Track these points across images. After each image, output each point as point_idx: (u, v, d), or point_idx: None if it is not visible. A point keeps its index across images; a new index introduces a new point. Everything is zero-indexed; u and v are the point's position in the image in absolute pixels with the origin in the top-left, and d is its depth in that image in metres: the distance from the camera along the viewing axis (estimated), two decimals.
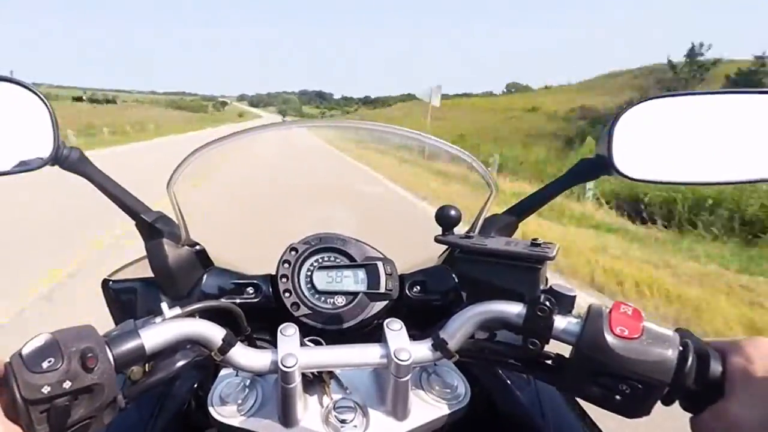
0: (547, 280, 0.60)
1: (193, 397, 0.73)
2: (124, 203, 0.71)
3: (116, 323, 0.67)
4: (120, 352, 0.44)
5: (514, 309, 0.52)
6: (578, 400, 0.58)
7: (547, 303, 0.49)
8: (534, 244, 0.57)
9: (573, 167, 0.73)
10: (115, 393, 0.44)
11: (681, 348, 0.46)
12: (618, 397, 0.47)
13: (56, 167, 0.66)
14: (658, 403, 0.48)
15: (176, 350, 0.52)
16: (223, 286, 0.74)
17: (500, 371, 0.74)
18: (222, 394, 0.59)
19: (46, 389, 0.38)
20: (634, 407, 0.47)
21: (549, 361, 0.53)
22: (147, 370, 0.51)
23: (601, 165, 0.69)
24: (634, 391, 0.46)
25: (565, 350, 0.52)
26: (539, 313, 0.49)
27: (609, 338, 0.46)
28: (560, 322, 0.50)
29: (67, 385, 0.39)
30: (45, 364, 0.39)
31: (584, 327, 0.48)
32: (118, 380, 0.44)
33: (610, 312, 0.48)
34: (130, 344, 0.45)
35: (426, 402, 0.59)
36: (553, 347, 0.53)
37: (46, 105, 0.63)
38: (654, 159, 0.68)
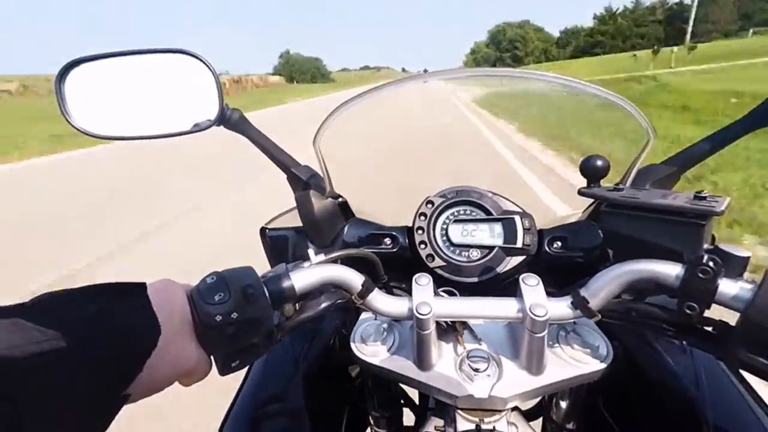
0: (714, 238, 0.53)
1: (337, 337, 0.79)
2: (277, 158, 0.79)
3: (271, 266, 0.75)
4: (274, 291, 0.49)
5: (671, 269, 0.46)
6: (744, 373, 0.51)
7: (712, 264, 0.43)
8: (698, 197, 0.50)
9: (753, 110, 0.62)
10: (271, 326, 0.49)
11: None
12: None
13: (221, 127, 0.75)
14: None
15: (322, 292, 0.57)
16: (363, 236, 0.78)
17: (651, 339, 0.68)
18: (363, 335, 0.64)
19: (218, 317, 0.45)
20: None
21: (710, 329, 0.47)
22: (297, 308, 0.57)
23: None
24: None
25: (730, 317, 0.45)
26: (701, 275, 0.43)
27: None
28: (727, 286, 0.44)
29: (234, 315, 0.45)
30: (216, 297, 0.45)
31: (757, 293, 0.41)
32: (274, 316, 0.50)
33: None
34: (282, 284, 0.50)
35: (562, 359, 0.58)
36: (715, 314, 0.47)
37: (213, 73, 0.71)
38: None
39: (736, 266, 0.45)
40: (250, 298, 0.46)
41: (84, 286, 0.39)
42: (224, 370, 0.49)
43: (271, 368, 0.74)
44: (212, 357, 0.48)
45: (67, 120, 0.70)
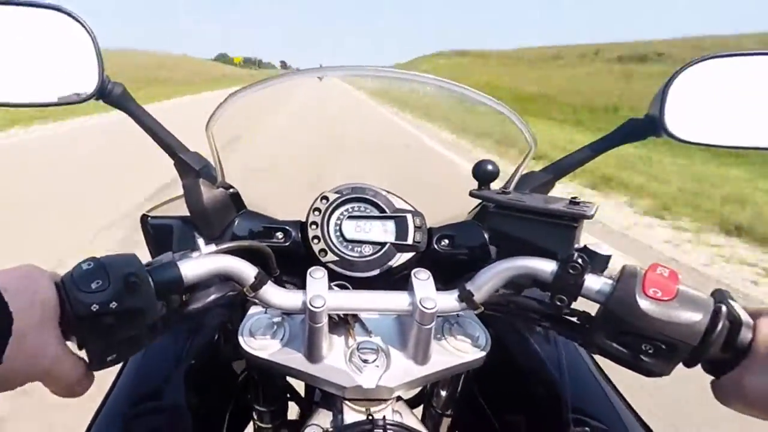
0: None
1: (222, 332, 0.76)
2: (164, 141, 0.73)
3: (152, 257, 0.70)
4: (160, 280, 0.46)
5: (546, 266, 0.51)
6: (598, 359, 0.58)
7: (580, 261, 0.49)
8: (573, 202, 0.56)
9: (620, 126, 0.71)
10: (155, 317, 0.46)
11: (713, 312, 0.45)
12: (640, 356, 0.47)
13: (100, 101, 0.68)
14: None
15: (211, 284, 0.55)
16: (254, 229, 0.76)
17: (521, 328, 0.75)
18: (252, 329, 0.62)
19: (94, 307, 0.41)
20: (655, 367, 0.47)
21: (574, 318, 0.53)
22: (184, 300, 0.54)
23: (651, 126, 0.66)
24: (657, 351, 0.46)
25: (592, 309, 0.51)
26: (571, 271, 0.49)
27: (640, 299, 0.46)
28: (591, 281, 0.49)
29: (113, 305, 0.41)
30: (93, 285, 0.42)
31: (616, 287, 0.48)
32: (158, 307, 0.47)
33: (645, 273, 0.48)
34: (169, 273, 0.47)
35: (446, 350, 0.61)
36: (581, 306, 0.52)
37: (92, 36, 0.64)
38: (709, 121, 0.65)
39: (600, 263, 0.51)
40: (132, 286, 0.43)
41: None
42: (97, 365, 0.45)
43: (148, 364, 0.69)
44: (85, 350, 0.43)
45: None
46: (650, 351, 0.47)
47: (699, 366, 0.48)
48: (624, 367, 0.49)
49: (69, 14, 0.63)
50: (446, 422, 0.82)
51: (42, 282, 0.41)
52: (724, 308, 0.45)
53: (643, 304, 0.45)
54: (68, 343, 0.43)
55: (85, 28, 0.63)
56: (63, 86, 0.66)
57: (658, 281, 0.46)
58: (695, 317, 0.44)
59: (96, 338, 0.43)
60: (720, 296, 0.47)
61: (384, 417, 0.56)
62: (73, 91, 0.65)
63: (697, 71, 0.64)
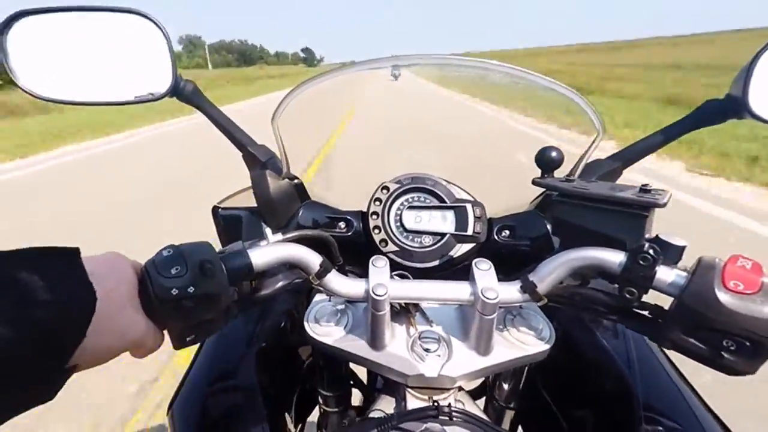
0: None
1: (289, 318, 0.79)
2: (233, 135, 0.76)
3: (223, 245, 0.73)
4: (232, 267, 0.49)
5: (614, 257, 0.49)
6: (671, 354, 0.56)
7: (651, 252, 0.46)
8: (643, 189, 0.53)
9: (696, 109, 0.66)
10: (228, 302, 0.49)
11: None
12: (721, 353, 0.45)
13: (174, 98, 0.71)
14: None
15: (278, 272, 0.57)
16: (318, 219, 0.78)
17: (587, 320, 0.73)
18: (316, 316, 0.64)
19: (174, 291, 0.44)
20: (739, 365, 0.45)
21: (645, 312, 0.51)
22: (253, 286, 0.56)
23: (733, 107, 0.61)
24: (740, 348, 0.44)
25: (665, 302, 0.49)
26: (641, 262, 0.47)
27: (719, 292, 0.43)
28: (664, 273, 0.47)
29: (191, 289, 0.44)
30: (173, 271, 0.45)
31: (691, 279, 0.45)
32: (231, 292, 0.50)
33: (724, 265, 0.45)
34: (240, 261, 0.50)
35: (508, 341, 0.60)
36: (653, 299, 0.50)
37: (166, 37, 0.67)
38: None
39: (673, 254, 0.48)
40: (207, 272, 0.45)
41: (8, 251, 0.37)
42: (179, 344, 0.48)
43: (223, 345, 0.74)
44: (166, 330, 0.47)
45: (13, 78, 0.64)
46: (732, 348, 0.44)
47: None
48: (703, 365, 0.47)
49: (144, 16, 0.66)
50: (509, 415, 0.81)
51: (125, 267, 0.44)
52: None
53: (723, 297, 0.43)
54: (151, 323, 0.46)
55: (160, 29, 0.67)
56: (140, 86, 0.69)
57: (740, 273, 0.43)
58: None
59: (176, 320, 0.46)
60: None
61: (449, 404, 0.57)
62: (149, 90, 0.69)
63: None
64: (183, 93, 0.70)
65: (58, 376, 0.37)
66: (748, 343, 0.43)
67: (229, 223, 0.79)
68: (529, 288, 0.54)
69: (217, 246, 0.58)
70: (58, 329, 0.35)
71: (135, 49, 0.68)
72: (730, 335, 0.43)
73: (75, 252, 0.40)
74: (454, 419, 0.54)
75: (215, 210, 0.79)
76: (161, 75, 0.69)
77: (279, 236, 0.60)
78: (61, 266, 0.38)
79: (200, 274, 0.45)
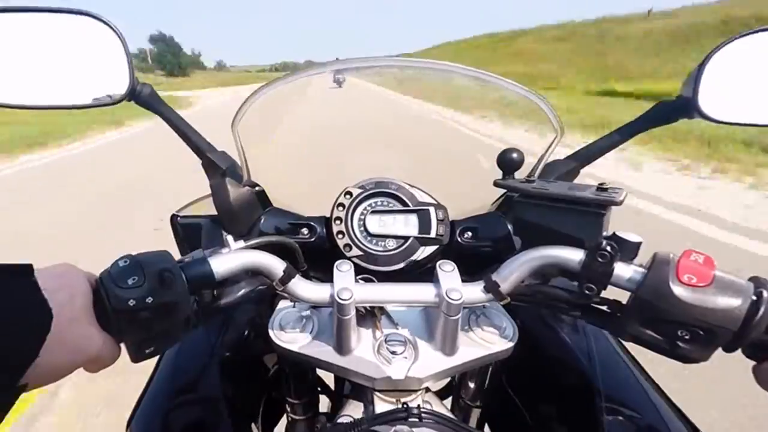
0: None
1: (252, 326, 0.78)
2: (192, 141, 0.75)
3: (182, 255, 0.72)
4: (192, 275, 0.48)
5: (574, 255, 0.50)
6: (629, 347, 0.57)
7: (609, 249, 0.48)
8: (600, 188, 0.55)
9: (649, 110, 0.68)
10: (188, 312, 0.48)
11: (754, 297, 0.44)
12: (677, 342, 0.47)
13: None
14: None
15: (241, 279, 0.56)
16: (280, 225, 0.77)
17: (549, 318, 0.74)
18: (281, 322, 0.63)
19: (131, 302, 0.42)
20: (693, 353, 0.47)
21: (604, 307, 0.52)
22: (215, 295, 0.55)
23: (683, 107, 0.64)
24: (694, 337, 0.46)
25: (623, 297, 0.50)
26: (599, 259, 0.48)
27: (674, 286, 0.45)
28: (621, 269, 0.48)
29: (149, 300, 0.43)
30: (130, 281, 0.43)
31: (647, 274, 0.47)
32: (191, 302, 0.49)
33: (678, 260, 0.46)
34: (201, 269, 0.49)
35: (473, 340, 0.61)
36: (612, 295, 0.52)
37: (122, 40, 0.65)
38: (745, 100, 0.62)
39: (629, 251, 0.50)
40: (166, 282, 0.44)
41: None
42: (137, 357, 0.47)
43: (184, 357, 0.72)
44: (123, 343, 0.45)
45: None
46: (687, 337, 0.46)
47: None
48: (660, 354, 0.49)
49: (99, 19, 0.64)
50: (475, 413, 0.82)
51: (79, 279, 0.43)
52: (765, 292, 0.44)
53: (678, 291, 0.45)
54: (107, 335, 0.44)
55: (116, 32, 0.65)
56: (96, 89, 0.67)
57: (693, 267, 0.45)
58: (734, 302, 0.43)
59: (134, 332, 0.44)
60: (759, 281, 0.45)
61: (418, 405, 0.57)
62: (106, 94, 0.68)
63: (732, 49, 0.61)
64: (140, 97, 0.69)
65: (8, 395, 0.35)
66: (701, 332, 0.45)
67: (188, 232, 0.77)
68: (492, 288, 0.54)
69: (177, 256, 0.57)
70: (10, 348, 0.34)
71: (91, 52, 0.67)
72: (685, 326, 0.45)
73: (28, 268, 0.38)
74: (424, 420, 0.55)
75: (174, 219, 0.77)
76: (118, 78, 0.67)
77: (241, 243, 0.59)
78: (13, 284, 0.37)
79: (159, 284, 0.44)
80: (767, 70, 0.61)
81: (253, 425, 0.75)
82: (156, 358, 0.65)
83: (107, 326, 0.43)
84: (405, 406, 0.57)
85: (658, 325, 0.47)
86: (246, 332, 0.78)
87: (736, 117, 0.63)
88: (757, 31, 0.61)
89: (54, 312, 0.37)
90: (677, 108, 0.65)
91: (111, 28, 0.65)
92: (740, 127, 0.65)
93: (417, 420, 0.54)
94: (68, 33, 0.65)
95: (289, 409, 0.80)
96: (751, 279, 0.46)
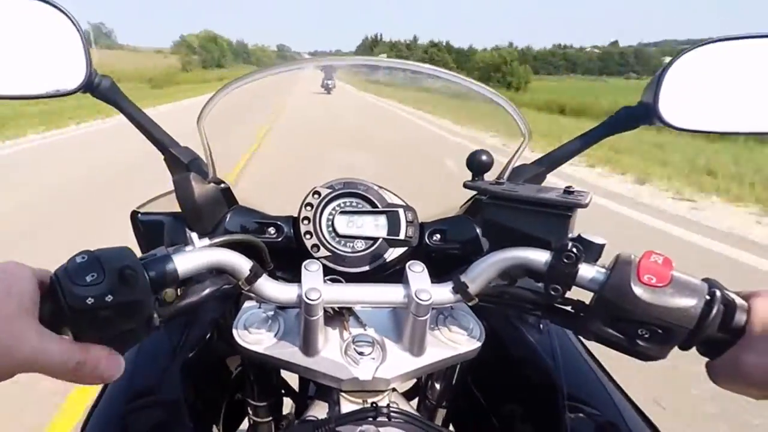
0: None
1: (216, 328, 0.76)
2: (153, 136, 0.72)
3: (143, 252, 0.70)
4: (155, 273, 0.46)
5: (540, 256, 0.51)
6: (590, 346, 0.59)
7: (575, 250, 0.49)
8: (567, 191, 0.56)
9: (611, 116, 0.70)
10: (150, 311, 0.46)
11: (708, 297, 0.46)
12: (637, 341, 0.48)
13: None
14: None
15: (205, 278, 0.54)
16: (246, 224, 0.75)
17: (514, 318, 0.75)
18: (246, 323, 0.62)
19: (89, 300, 0.40)
20: (652, 351, 0.48)
21: (568, 307, 0.53)
22: (178, 294, 0.53)
23: (645, 113, 0.66)
24: (653, 335, 0.47)
25: (587, 297, 0.52)
26: (565, 260, 0.49)
27: (635, 286, 0.46)
28: (585, 270, 0.49)
29: (108, 298, 0.41)
30: (88, 278, 0.41)
31: (610, 275, 0.48)
32: (153, 301, 0.47)
33: (639, 260, 0.48)
34: (164, 266, 0.47)
35: (441, 341, 0.61)
36: (575, 295, 0.53)
37: (78, 29, 0.63)
38: (705, 107, 0.64)
39: (594, 252, 0.51)
40: (128, 279, 0.42)
41: None
42: None
43: (144, 358, 0.69)
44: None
45: None
46: (646, 336, 0.47)
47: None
48: (620, 352, 0.50)
49: (54, 5, 0.61)
50: (441, 414, 0.83)
51: (20, 277, 0.40)
52: (718, 292, 0.45)
53: (638, 291, 0.46)
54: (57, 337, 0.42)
55: (71, 20, 0.62)
56: (50, 79, 0.64)
57: (653, 268, 0.47)
58: (690, 302, 0.45)
59: (91, 332, 0.42)
60: (711, 282, 0.47)
61: (387, 404, 0.57)
62: (60, 84, 0.64)
63: (692, 57, 0.63)
64: (98, 88, 0.66)
65: None
66: (659, 331, 0.46)
67: (149, 229, 0.75)
68: (461, 288, 0.55)
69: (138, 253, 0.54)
70: None
71: (46, 41, 0.63)
72: (645, 324, 0.47)
73: None
74: (393, 420, 0.54)
75: (134, 215, 0.74)
76: (74, 69, 0.64)
77: (206, 241, 0.57)
78: None
79: (119, 282, 0.42)
80: (725, 80, 0.63)
81: (214, 427, 0.73)
82: None
83: (61, 325, 0.41)
84: (374, 405, 0.56)
85: (619, 324, 0.48)
86: (209, 333, 0.76)
87: (696, 124, 0.65)
88: (716, 41, 0.63)
89: None
90: (639, 114, 0.67)
91: (66, 15, 0.62)
92: (700, 134, 0.67)
93: (385, 419, 0.54)
94: (21, 19, 0.62)
95: (251, 412, 0.78)
96: (704, 280, 0.48)
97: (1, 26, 0.61)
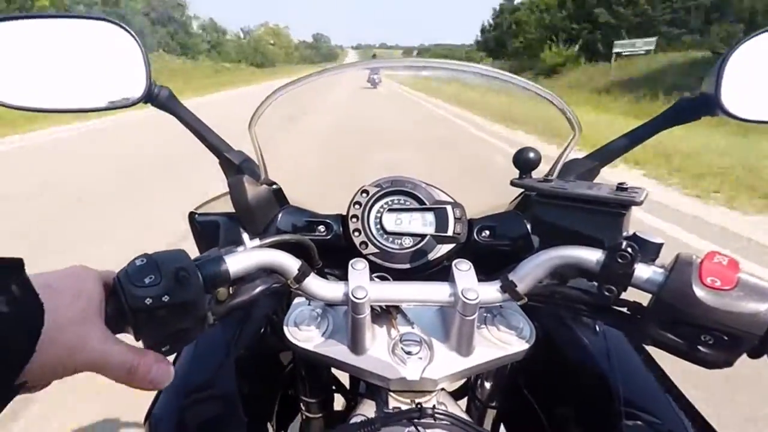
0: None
1: (268, 323, 0.78)
2: (209, 142, 0.76)
3: (200, 252, 0.73)
4: (208, 274, 0.48)
5: (592, 255, 0.49)
6: (650, 350, 0.56)
7: (629, 250, 0.47)
8: (620, 188, 0.54)
9: (670, 107, 0.67)
10: (204, 310, 0.48)
11: None
12: (699, 347, 0.45)
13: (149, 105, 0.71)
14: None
15: (256, 277, 0.56)
16: (297, 223, 0.77)
17: (567, 319, 0.73)
18: (296, 320, 0.63)
19: (148, 301, 0.43)
20: (716, 358, 0.45)
21: (624, 309, 0.51)
22: (231, 293, 0.55)
23: (706, 104, 0.62)
24: (718, 342, 0.44)
25: (644, 299, 0.49)
26: (619, 260, 0.47)
27: (697, 289, 0.44)
28: (642, 270, 0.47)
29: (165, 298, 0.43)
30: (147, 280, 0.43)
31: (669, 276, 0.46)
32: (207, 300, 0.49)
33: (701, 261, 0.45)
34: (216, 268, 0.49)
35: (489, 341, 0.61)
36: (632, 296, 0.50)
37: (139, 44, 0.67)
38: None
39: (651, 252, 0.49)
40: (182, 280, 0.44)
41: None
42: None
43: (201, 354, 0.72)
44: (142, 342, 0.45)
45: None
46: (710, 342, 0.45)
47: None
48: (681, 359, 0.47)
49: (117, 24, 0.66)
50: (491, 414, 0.81)
51: (87, 280, 0.43)
52: None
53: (701, 293, 0.43)
54: (122, 335, 0.45)
55: (132, 36, 0.67)
56: (113, 92, 0.69)
57: (717, 270, 0.44)
58: (760, 307, 0.42)
59: (150, 330, 0.45)
60: None
61: (433, 406, 0.57)
62: (123, 96, 0.69)
63: (756, 43, 0.60)
64: (157, 99, 0.70)
65: (5, 393, 0.35)
66: (725, 338, 0.44)
67: (206, 229, 0.78)
68: (509, 287, 0.54)
69: (195, 254, 0.57)
70: (3, 347, 0.34)
71: (109, 56, 0.68)
72: (708, 330, 0.44)
73: (18, 262, 0.38)
74: (437, 420, 0.54)
75: (192, 216, 0.78)
76: (136, 81, 0.68)
77: (257, 242, 0.59)
78: (3, 282, 0.36)
79: (175, 282, 0.44)
80: None
81: (268, 423, 0.75)
82: (173, 355, 0.66)
83: (124, 325, 0.44)
84: (419, 406, 0.56)
85: (679, 328, 0.46)
86: (262, 330, 0.78)
87: (761, 114, 0.61)
88: None
89: (49, 312, 0.37)
90: (699, 105, 0.64)
91: (128, 32, 0.66)
92: (764, 124, 0.63)
93: (431, 420, 0.54)
94: (87, 38, 0.67)
95: (303, 408, 0.80)
96: None
97: (70, 44, 0.66)
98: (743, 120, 0.61)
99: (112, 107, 0.69)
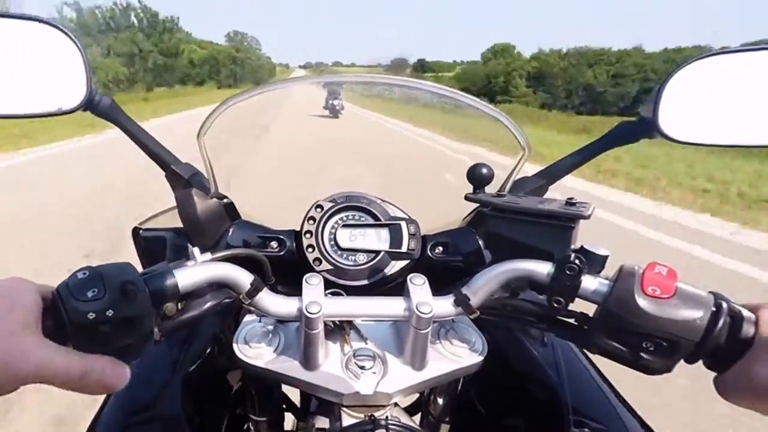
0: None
1: (216, 342, 0.76)
2: (154, 153, 0.73)
3: (144, 268, 0.69)
4: (156, 288, 0.46)
5: (542, 268, 0.51)
6: (595, 359, 0.58)
7: (577, 262, 0.48)
8: (569, 203, 0.56)
9: (612, 130, 0.71)
10: (151, 325, 0.46)
11: (714, 309, 0.45)
12: (641, 354, 0.47)
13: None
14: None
15: (206, 292, 0.55)
16: (249, 238, 0.75)
17: (517, 331, 0.75)
18: (246, 337, 0.61)
19: (91, 315, 0.41)
20: (657, 365, 0.47)
21: (572, 320, 0.53)
22: (179, 308, 0.53)
23: (644, 127, 0.66)
24: (658, 348, 0.46)
25: (590, 309, 0.51)
26: (568, 272, 0.49)
27: (639, 298, 0.46)
28: (588, 281, 0.49)
29: (109, 313, 0.41)
30: (90, 294, 0.41)
31: (614, 287, 0.47)
32: (154, 315, 0.47)
33: (643, 272, 0.47)
34: (165, 281, 0.47)
35: (442, 355, 0.61)
36: (579, 307, 0.52)
37: (79, 48, 0.63)
38: (705, 120, 0.65)
39: (597, 264, 0.50)
40: (128, 294, 0.42)
41: None
42: None
43: (145, 372, 0.68)
44: None
45: None
46: (651, 349, 0.47)
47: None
48: (625, 366, 0.49)
49: (55, 26, 0.62)
50: (445, 429, 0.82)
51: (23, 292, 0.41)
52: (724, 304, 0.45)
53: (642, 303, 0.45)
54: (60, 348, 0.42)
55: (73, 41, 0.63)
56: (51, 98, 0.65)
57: (657, 279, 0.46)
58: (696, 314, 0.44)
59: (93, 345, 0.42)
60: (718, 294, 0.47)
61: (386, 417, 0.56)
62: (62, 103, 0.65)
63: (691, 71, 0.63)
64: (98, 107, 0.67)
65: None
66: (664, 344, 0.46)
67: (151, 245, 0.75)
68: (462, 301, 0.54)
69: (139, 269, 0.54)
70: None
71: (47, 61, 0.64)
72: (649, 337, 0.46)
73: None
74: (391, 431, 0.54)
75: (136, 231, 0.75)
76: (75, 88, 0.65)
77: (207, 256, 0.57)
78: None
79: (121, 297, 0.42)
80: (724, 93, 0.63)
81: None
82: None
83: (63, 340, 0.41)
84: (371, 417, 0.56)
85: (623, 336, 0.47)
86: (210, 348, 0.75)
87: (696, 137, 0.65)
88: (714, 54, 0.63)
89: None
90: (638, 128, 0.67)
91: (68, 36, 0.63)
92: (701, 147, 0.67)
93: (384, 431, 0.53)
94: (22, 40, 0.63)
95: (252, 428, 0.77)
96: (710, 292, 0.47)
97: (3, 47, 0.62)
98: (680, 142, 0.65)
99: (51, 114, 0.65)
